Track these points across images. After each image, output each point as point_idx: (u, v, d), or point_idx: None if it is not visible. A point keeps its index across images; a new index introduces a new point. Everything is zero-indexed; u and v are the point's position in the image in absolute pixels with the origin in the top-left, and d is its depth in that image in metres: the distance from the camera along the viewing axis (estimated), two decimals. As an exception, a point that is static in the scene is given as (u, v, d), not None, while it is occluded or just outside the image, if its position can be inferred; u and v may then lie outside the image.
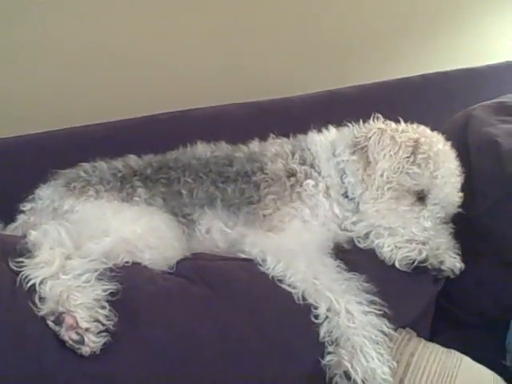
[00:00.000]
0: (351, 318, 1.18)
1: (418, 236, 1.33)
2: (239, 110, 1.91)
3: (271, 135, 1.58)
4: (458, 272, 1.36)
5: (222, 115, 1.89)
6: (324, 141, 1.52)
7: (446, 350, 1.36)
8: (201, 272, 1.23)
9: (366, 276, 1.26)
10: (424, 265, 1.32)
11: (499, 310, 1.59)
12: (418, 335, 1.44)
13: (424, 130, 1.47)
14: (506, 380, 1.36)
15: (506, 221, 1.49)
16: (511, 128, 1.58)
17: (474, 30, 2.68)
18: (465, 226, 1.47)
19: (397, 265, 1.32)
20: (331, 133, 1.55)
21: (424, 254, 1.31)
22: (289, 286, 1.23)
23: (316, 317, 1.19)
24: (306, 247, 1.30)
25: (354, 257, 1.34)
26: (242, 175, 1.45)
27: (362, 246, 1.39)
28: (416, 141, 1.41)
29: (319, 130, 1.58)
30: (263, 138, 1.59)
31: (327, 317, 1.19)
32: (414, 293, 1.38)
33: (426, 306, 1.46)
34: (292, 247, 1.29)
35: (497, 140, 1.52)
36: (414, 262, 1.31)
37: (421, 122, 1.53)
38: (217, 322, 1.15)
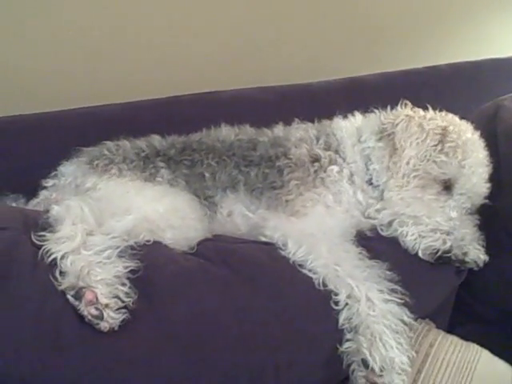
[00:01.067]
0: (372, 306, 1.16)
1: (443, 226, 1.31)
2: (262, 94, 1.89)
3: (296, 120, 1.56)
4: (481, 264, 1.34)
5: (245, 98, 1.88)
6: (350, 126, 1.50)
7: (465, 342, 1.35)
8: (222, 254, 1.22)
9: (388, 264, 1.24)
10: (448, 255, 1.29)
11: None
12: (437, 327, 1.42)
13: (453, 118, 1.44)
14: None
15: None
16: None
17: (505, 19, 2.62)
18: (490, 218, 1.45)
19: (420, 254, 1.30)
20: (357, 119, 1.53)
21: (448, 244, 1.29)
22: (309, 271, 1.21)
23: (336, 303, 1.18)
24: (329, 233, 1.29)
25: (376, 244, 1.32)
26: (265, 159, 1.44)
27: (385, 234, 1.36)
28: (444, 129, 1.38)
29: (345, 116, 1.56)
30: (285, 123, 1.58)
31: (347, 303, 1.17)
32: (436, 283, 1.36)
33: (447, 297, 1.44)
34: (314, 232, 1.28)
35: (527, 131, 1.49)
36: (437, 252, 1.29)
37: (448, 111, 1.50)
38: (235, 305, 1.14)
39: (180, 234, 1.24)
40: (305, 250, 1.23)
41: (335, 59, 2.25)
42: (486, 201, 1.41)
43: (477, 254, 1.32)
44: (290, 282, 1.21)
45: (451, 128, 1.38)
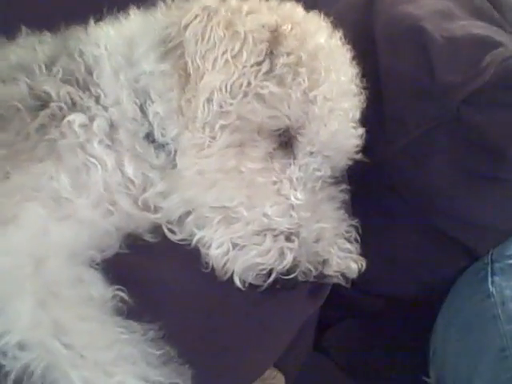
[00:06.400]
0: None
1: (279, 222, 0.68)
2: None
3: (23, 28, 0.87)
4: (354, 276, 0.75)
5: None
6: (115, 37, 0.82)
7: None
8: None
9: (171, 312, 0.63)
10: (290, 277, 0.68)
11: (418, 293, 1.11)
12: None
13: (292, 11, 0.79)
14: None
15: (436, 162, 0.94)
16: (442, 4, 0.97)
17: None
18: (367, 181, 0.92)
19: (237, 281, 0.67)
20: (132, 22, 0.85)
21: (289, 258, 0.67)
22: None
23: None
24: (51, 262, 0.64)
25: (156, 266, 0.69)
26: None
27: (176, 238, 0.72)
28: (275, 31, 0.73)
29: (116, 18, 0.88)
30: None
31: None
32: (273, 325, 0.73)
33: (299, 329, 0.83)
34: (20, 262, 0.63)
35: (421, 25, 0.94)
36: (270, 274, 0.67)
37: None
38: None
39: None
40: None
41: None
42: (358, 156, 0.80)
43: (344, 261, 0.73)
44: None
45: (287, 29, 0.74)
